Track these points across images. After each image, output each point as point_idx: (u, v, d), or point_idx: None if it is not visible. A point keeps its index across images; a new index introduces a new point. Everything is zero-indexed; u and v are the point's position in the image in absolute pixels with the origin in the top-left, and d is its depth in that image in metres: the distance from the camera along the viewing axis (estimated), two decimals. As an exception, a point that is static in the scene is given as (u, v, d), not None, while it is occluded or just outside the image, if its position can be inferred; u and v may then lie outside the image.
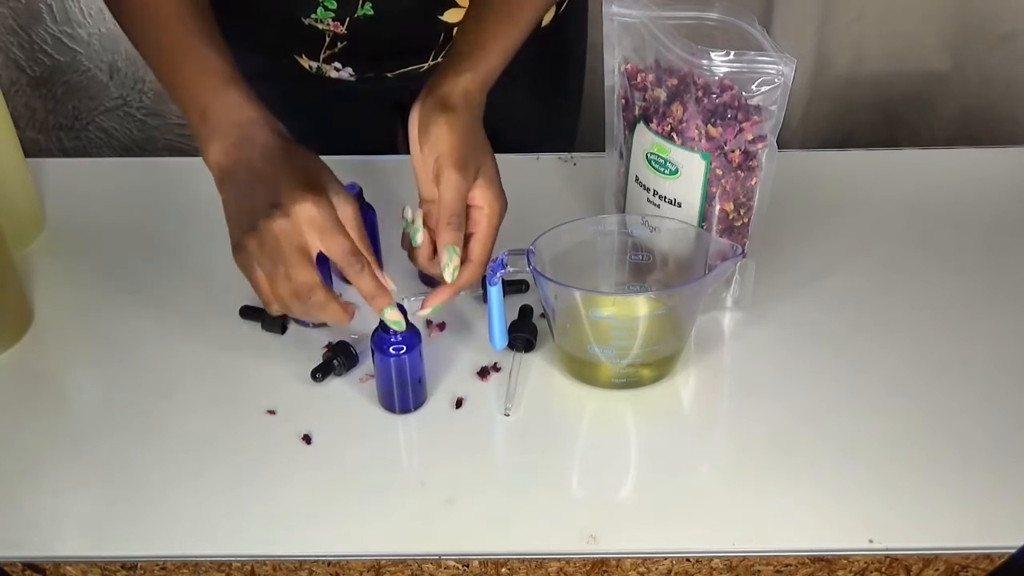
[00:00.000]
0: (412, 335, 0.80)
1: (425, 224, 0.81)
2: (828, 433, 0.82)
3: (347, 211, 0.75)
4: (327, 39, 1.01)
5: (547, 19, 1.08)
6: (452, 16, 1.00)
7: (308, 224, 0.72)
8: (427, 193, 0.80)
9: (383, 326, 0.79)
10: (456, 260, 0.78)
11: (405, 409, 0.83)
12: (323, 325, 0.91)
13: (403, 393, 0.82)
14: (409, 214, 0.80)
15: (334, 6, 0.96)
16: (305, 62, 1.06)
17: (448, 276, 0.79)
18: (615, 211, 0.95)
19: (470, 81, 0.81)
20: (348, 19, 0.97)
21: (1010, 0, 1.56)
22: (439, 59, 1.05)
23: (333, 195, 0.75)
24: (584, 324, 0.82)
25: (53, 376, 0.89)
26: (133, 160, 1.20)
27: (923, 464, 0.79)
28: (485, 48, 0.82)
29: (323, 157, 0.79)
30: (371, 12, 0.96)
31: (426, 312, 0.81)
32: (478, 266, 0.80)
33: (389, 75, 1.07)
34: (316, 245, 0.74)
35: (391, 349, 0.79)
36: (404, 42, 1.03)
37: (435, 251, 0.80)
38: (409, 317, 0.80)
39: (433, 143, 0.78)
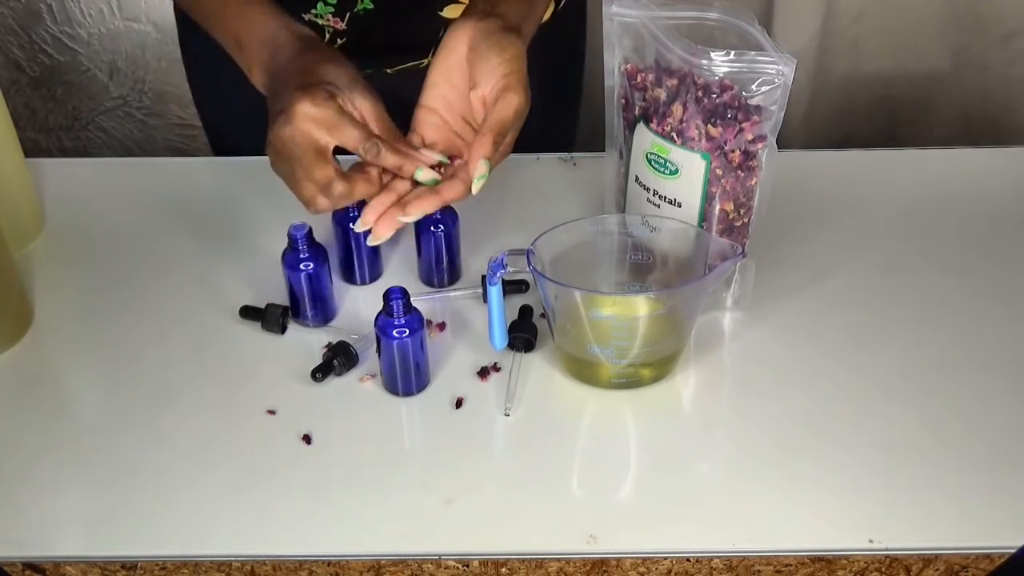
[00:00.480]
0: (414, 319, 0.81)
1: (416, 130, 0.81)
2: (828, 433, 0.82)
3: (365, 105, 0.77)
4: (327, 35, 1.01)
5: (546, 16, 1.08)
6: (451, 12, 1.00)
7: (312, 123, 0.74)
8: (437, 105, 0.80)
9: (386, 310, 0.80)
10: (487, 175, 0.77)
11: (408, 392, 0.84)
12: (322, 324, 0.91)
13: (406, 376, 0.83)
14: (424, 175, 0.78)
15: (334, 1, 0.96)
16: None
17: (475, 189, 0.77)
18: (615, 211, 0.95)
19: (532, 20, 0.82)
20: (348, 14, 0.97)
21: (1010, 0, 1.56)
22: None
23: (347, 91, 0.76)
24: (584, 324, 0.82)
25: (53, 376, 0.89)
26: (133, 160, 1.21)
27: (923, 464, 0.79)
28: (525, 15, 0.82)
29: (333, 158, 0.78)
30: (371, 6, 0.96)
31: (408, 219, 0.78)
32: (477, 192, 0.79)
33: (388, 71, 1.07)
34: (327, 140, 0.75)
35: (394, 332, 0.80)
36: (403, 38, 1.03)
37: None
38: (412, 301, 0.81)
39: (508, 59, 0.77)
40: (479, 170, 0.76)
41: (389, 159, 0.76)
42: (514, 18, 0.80)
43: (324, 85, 0.75)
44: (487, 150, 0.76)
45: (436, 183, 0.78)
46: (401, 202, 0.78)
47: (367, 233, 0.78)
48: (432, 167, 0.79)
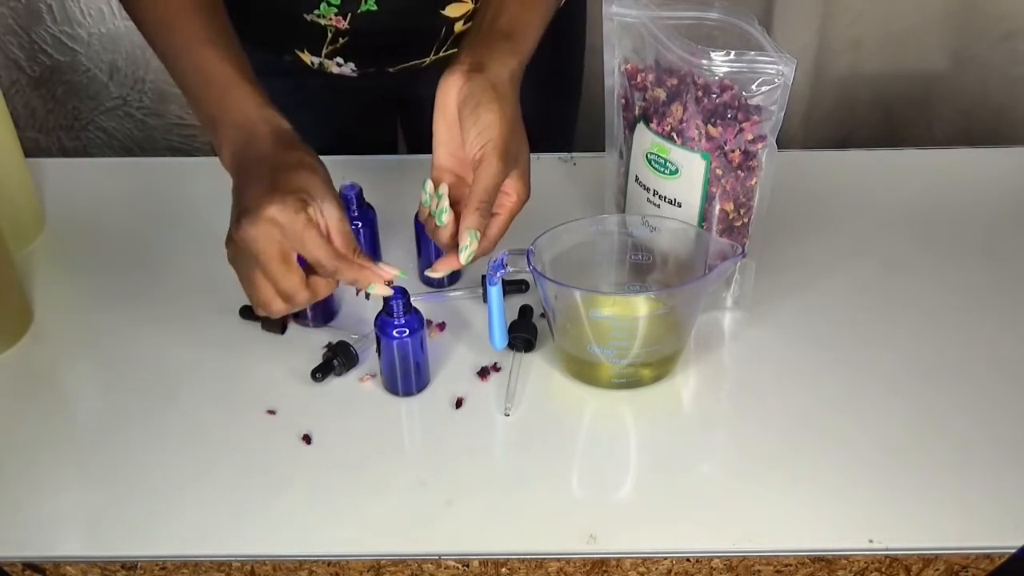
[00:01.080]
0: (414, 319, 0.81)
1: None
2: (828, 433, 0.82)
3: (332, 219, 0.75)
4: (329, 34, 1.01)
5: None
6: (453, 11, 1.00)
7: (279, 230, 0.73)
8: (448, 164, 0.80)
9: (386, 309, 0.80)
10: (475, 245, 0.78)
11: (408, 392, 0.84)
12: (322, 324, 0.91)
13: (406, 376, 0.83)
14: (430, 187, 0.80)
15: (338, 1, 0.96)
16: (307, 58, 1.06)
17: (464, 260, 0.78)
18: (615, 211, 0.95)
19: (518, 66, 0.81)
20: (351, 14, 0.97)
21: (1010, 0, 1.56)
22: (440, 54, 1.05)
23: (317, 199, 0.75)
24: (584, 324, 0.82)
25: (53, 376, 0.89)
26: (133, 160, 1.21)
27: (923, 464, 0.79)
28: (524, 31, 0.82)
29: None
30: (374, 7, 0.96)
31: (438, 274, 0.81)
32: (491, 243, 0.79)
33: (391, 70, 1.07)
34: (291, 249, 0.74)
35: (394, 332, 0.81)
36: (406, 37, 1.03)
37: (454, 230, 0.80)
38: (412, 301, 0.81)
39: (484, 128, 0.77)
40: (464, 240, 0.77)
41: (347, 275, 0.75)
42: (497, 68, 0.79)
43: (298, 193, 0.74)
44: (471, 221, 0.77)
45: (388, 293, 0.78)
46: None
47: (368, 247, 0.79)
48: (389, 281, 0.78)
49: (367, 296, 0.80)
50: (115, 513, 0.77)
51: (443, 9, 1.00)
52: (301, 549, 0.74)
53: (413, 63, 1.06)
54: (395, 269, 0.78)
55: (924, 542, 0.75)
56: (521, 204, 0.80)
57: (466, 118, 0.78)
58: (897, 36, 1.61)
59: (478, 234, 0.77)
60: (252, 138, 0.78)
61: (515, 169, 0.79)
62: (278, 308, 0.76)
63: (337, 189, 0.90)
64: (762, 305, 0.92)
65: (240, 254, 0.75)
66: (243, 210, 0.74)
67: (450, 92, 0.79)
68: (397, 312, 0.80)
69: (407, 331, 0.81)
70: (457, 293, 0.94)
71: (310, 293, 0.76)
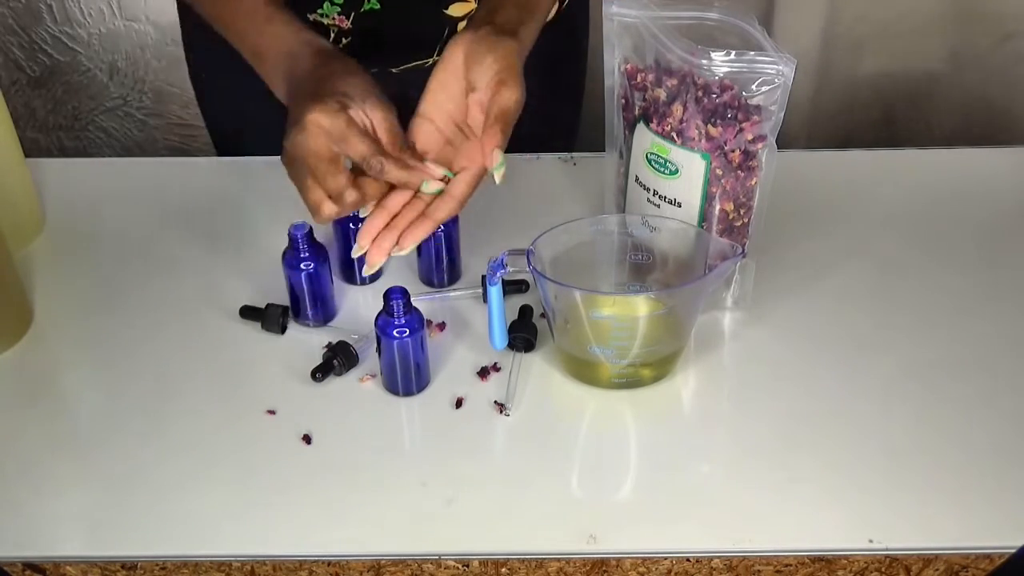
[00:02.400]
0: (415, 319, 0.81)
1: (410, 138, 0.81)
2: (828, 433, 0.82)
3: (376, 114, 0.77)
4: (332, 35, 1.01)
5: (551, 14, 1.08)
6: (457, 10, 1.00)
7: (322, 133, 0.75)
8: (433, 113, 0.81)
9: (387, 309, 0.80)
10: (504, 163, 0.78)
11: (408, 392, 0.85)
12: (322, 324, 0.91)
13: (406, 376, 0.84)
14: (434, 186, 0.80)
15: (341, 1, 0.96)
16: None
17: (498, 178, 0.79)
18: (615, 211, 0.95)
19: (529, 28, 0.83)
20: (354, 13, 0.97)
21: (1010, 0, 1.56)
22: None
23: (360, 101, 0.77)
24: (584, 324, 0.82)
25: (53, 376, 0.89)
26: (133, 160, 1.21)
27: (923, 464, 0.79)
28: (520, 29, 0.83)
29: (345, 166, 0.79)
30: (377, 6, 0.96)
31: (404, 252, 0.79)
32: (500, 181, 0.80)
33: (394, 71, 1.07)
34: (336, 150, 0.76)
35: (395, 332, 0.81)
36: (409, 37, 1.03)
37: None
38: (412, 301, 0.80)
39: (499, 57, 0.78)
40: (495, 159, 0.78)
41: (393, 174, 0.77)
42: (508, 24, 0.81)
43: (337, 96, 0.76)
44: (497, 140, 0.78)
45: (440, 189, 0.79)
46: (391, 227, 0.79)
47: (363, 258, 0.79)
48: (441, 179, 0.80)
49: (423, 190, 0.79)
50: (115, 513, 0.77)
51: (446, 9, 1.00)
52: (301, 549, 0.74)
53: (416, 63, 1.06)
54: (441, 169, 0.79)
55: (924, 542, 0.75)
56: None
57: (475, 61, 0.79)
58: (897, 36, 1.61)
59: (503, 153, 0.78)
60: (296, 61, 0.81)
61: (514, 117, 0.79)
62: (328, 211, 0.77)
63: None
64: (762, 305, 0.92)
65: (292, 163, 0.77)
66: (291, 121, 0.76)
67: (458, 44, 0.80)
68: (397, 312, 0.80)
69: (407, 331, 0.81)
70: (457, 293, 0.94)
71: (359, 194, 0.77)
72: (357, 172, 0.78)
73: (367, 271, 0.81)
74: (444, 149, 0.82)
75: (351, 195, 0.77)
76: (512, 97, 0.78)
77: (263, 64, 0.84)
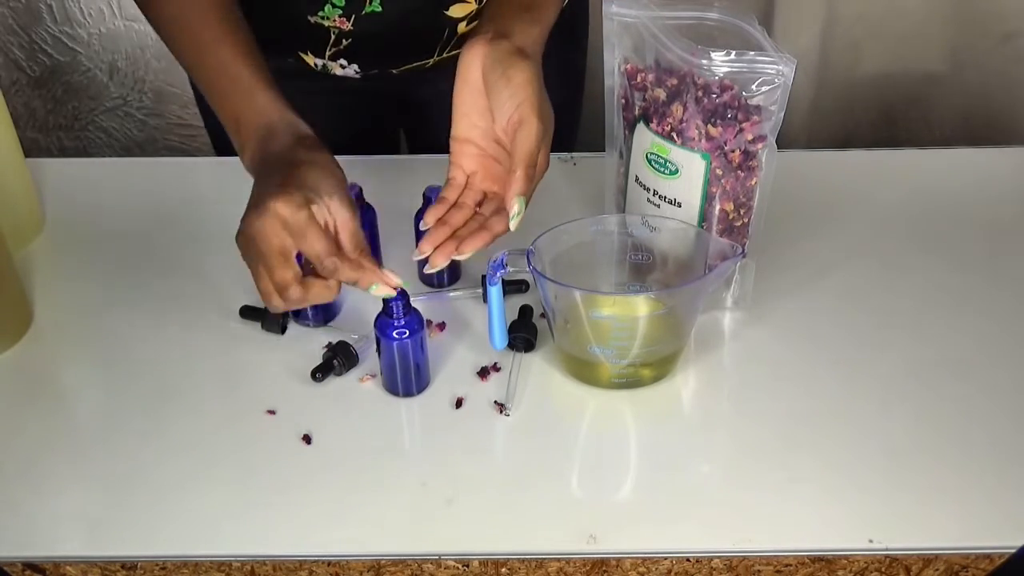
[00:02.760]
0: (414, 320, 0.81)
1: (454, 162, 0.82)
2: (828, 433, 0.82)
3: (341, 215, 0.76)
4: (333, 36, 1.01)
5: None
6: (457, 11, 1.00)
7: (281, 224, 0.74)
8: (469, 134, 0.81)
9: (386, 310, 0.80)
10: (523, 211, 0.78)
11: (408, 393, 0.84)
12: (322, 324, 0.91)
13: (406, 377, 0.84)
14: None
15: (342, 3, 0.96)
16: (310, 60, 1.06)
17: (513, 226, 0.79)
18: (615, 211, 0.95)
19: (539, 35, 0.82)
20: (355, 15, 0.97)
21: (1010, 0, 1.56)
22: (444, 55, 1.05)
23: (327, 198, 0.76)
24: (584, 324, 0.82)
25: (53, 376, 0.89)
26: (133, 160, 1.21)
27: (923, 464, 0.79)
28: (544, 2, 0.83)
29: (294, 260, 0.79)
30: (378, 8, 0.96)
31: (463, 257, 0.80)
32: (515, 228, 0.80)
33: (394, 71, 1.07)
34: (291, 244, 0.74)
35: (394, 333, 0.81)
36: (409, 38, 1.03)
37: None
38: (412, 301, 0.81)
39: (517, 89, 0.78)
40: (513, 208, 0.78)
41: (346, 275, 0.76)
42: (521, 36, 0.80)
43: (304, 190, 0.75)
44: (520, 187, 0.77)
45: (390, 295, 0.78)
46: (455, 236, 0.80)
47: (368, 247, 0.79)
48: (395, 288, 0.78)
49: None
50: (115, 513, 0.77)
51: (447, 10, 1.00)
52: (301, 549, 0.74)
53: (417, 64, 1.06)
54: (397, 278, 0.78)
55: (924, 542, 0.75)
56: (542, 175, 0.80)
57: (494, 83, 0.78)
58: (897, 36, 1.61)
59: (525, 200, 0.78)
60: (273, 139, 0.80)
61: (546, 139, 0.79)
62: (276, 303, 0.77)
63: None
64: (762, 305, 0.92)
65: (247, 243, 0.76)
66: (252, 204, 0.75)
67: (474, 60, 0.79)
68: (397, 313, 0.80)
69: (407, 332, 0.81)
70: (457, 293, 0.94)
71: (303, 291, 0.76)
72: (307, 270, 0.76)
73: (428, 270, 0.81)
74: (491, 167, 0.82)
75: (295, 292, 0.75)
76: (532, 135, 0.77)
77: (238, 133, 0.82)
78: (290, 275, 0.75)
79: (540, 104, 0.78)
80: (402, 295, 0.80)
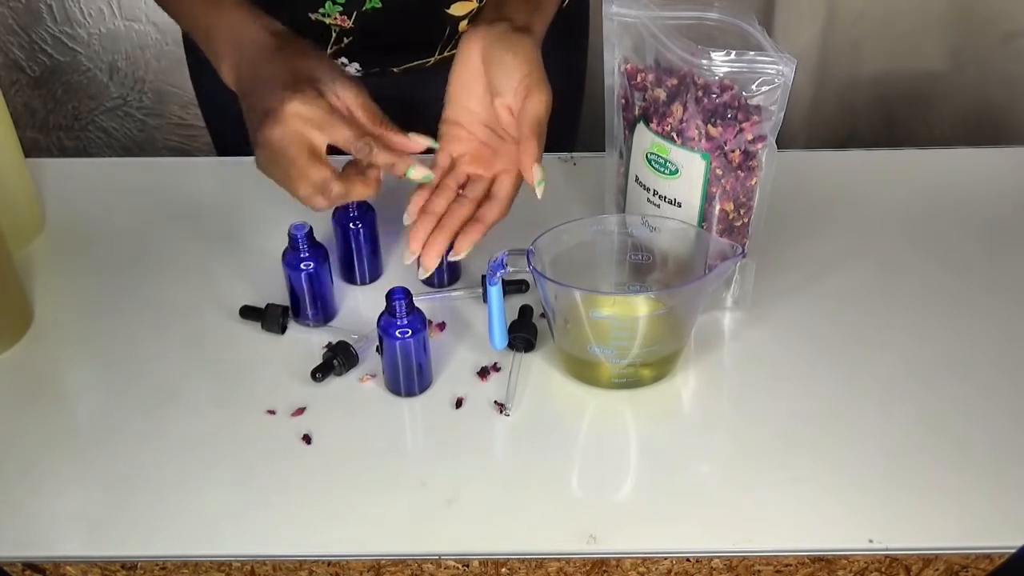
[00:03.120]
0: (417, 320, 0.81)
1: (443, 146, 0.82)
2: (828, 433, 0.82)
3: (348, 95, 0.76)
4: (333, 34, 1.01)
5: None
6: (458, 9, 1.00)
7: (304, 123, 0.73)
8: (459, 117, 0.82)
9: (389, 310, 0.80)
10: (546, 178, 0.79)
11: (411, 392, 0.84)
12: (322, 324, 0.91)
13: (408, 377, 0.83)
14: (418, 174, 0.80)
15: (343, 0, 0.96)
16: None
17: (540, 192, 0.79)
18: (615, 211, 0.95)
19: (540, 24, 0.83)
20: (355, 12, 0.97)
21: (1010, 0, 1.56)
22: (445, 53, 1.05)
23: (330, 84, 0.76)
24: (584, 324, 0.82)
25: (53, 376, 0.89)
26: (133, 160, 1.21)
27: (923, 464, 0.79)
28: (535, 12, 0.84)
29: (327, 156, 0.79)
30: (379, 4, 0.96)
31: (459, 256, 0.81)
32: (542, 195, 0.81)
33: (395, 70, 1.07)
34: (320, 139, 0.74)
35: (397, 332, 0.81)
36: (410, 36, 1.03)
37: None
38: (417, 300, 0.80)
39: (520, 63, 0.78)
40: (536, 176, 0.78)
41: (381, 158, 0.76)
42: (522, 18, 0.81)
43: (312, 83, 0.75)
44: (535, 153, 0.78)
45: (429, 180, 0.79)
46: (441, 227, 0.80)
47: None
48: (425, 151, 0.78)
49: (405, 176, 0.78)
50: (115, 513, 0.77)
51: (448, 8, 1.00)
52: (301, 549, 0.74)
53: (417, 63, 1.06)
54: (425, 139, 0.78)
55: (924, 542, 0.75)
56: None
57: (499, 59, 0.79)
58: (897, 36, 1.61)
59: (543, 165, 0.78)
60: (249, 42, 0.79)
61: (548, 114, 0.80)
62: (319, 204, 0.76)
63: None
64: (762, 305, 0.92)
65: (271, 156, 0.75)
66: (266, 111, 0.74)
67: (473, 43, 0.80)
68: (400, 312, 0.80)
69: (410, 332, 0.81)
70: (457, 293, 0.94)
71: (344, 187, 0.75)
72: (341, 173, 0.76)
73: (422, 275, 0.81)
74: (480, 152, 0.83)
75: (337, 187, 0.75)
76: (542, 102, 0.78)
77: (210, 45, 0.81)
78: (327, 171, 0.75)
79: (545, 78, 0.79)
80: (405, 294, 0.80)
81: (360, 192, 0.77)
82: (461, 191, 0.82)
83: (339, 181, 0.75)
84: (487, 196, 0.82)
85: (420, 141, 0.78)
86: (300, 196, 0.76)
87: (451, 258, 0.81)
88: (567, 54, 1.18)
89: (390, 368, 0.83)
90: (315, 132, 0.74)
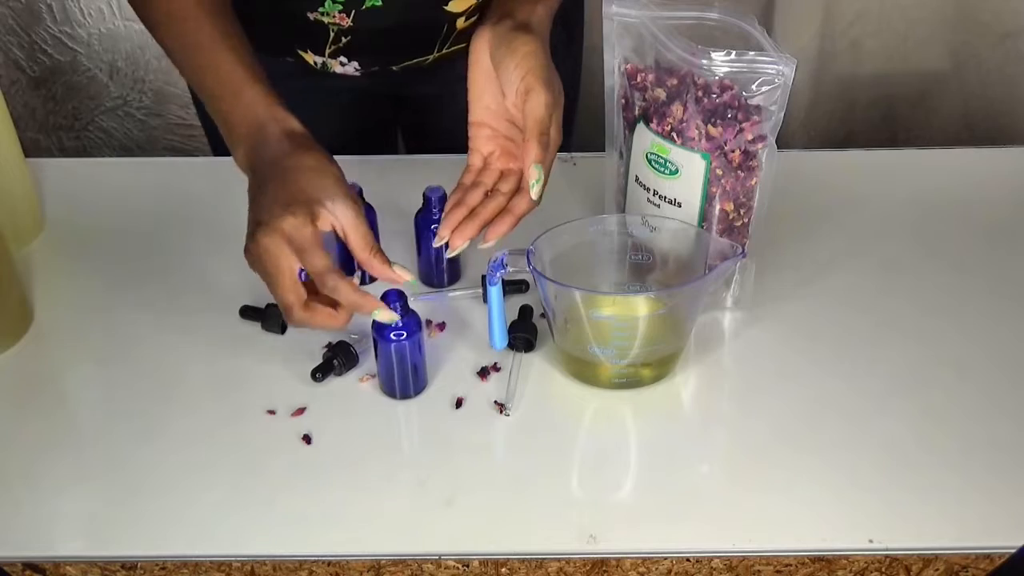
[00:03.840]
0: (412, 322, 0.81)
1: (473, 147, 0.84)
2: (828, 433, 0.82)
3: (346, 217, 0.76)
4: (332, 33, 1.01)
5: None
6: (456, 6, 1.00)
7: (287, 242, 0.74)
8: (484, 117, 0.83)
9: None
10: (544, 179, 0.79)
11: (406, 395, 0.84)
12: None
13: (403, 379, 0.83)
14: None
15: None
16: (310, 58, 1.06)
17: (535, 194, 0.80)
18: (615, 211, 0.95)
19: (546, 13, 0.83)
20: (355, 11, 0.97)
21: (1010, 0, 1.56)
22: (443, 51, 1.05)
23: (330, 203, 0.76)
24: (584, 324, 0.82)
25: (53, 376, 0.89)
26: (133, 160, 1.21)
27: (923, 464, 0.79)
28: (536, 6, 0.84)
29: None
30: (379, 3, 0.96)
31: (489, 244, 0.81)
32: (538, 197, 0.81)
33: (394, 68, 1.07)
34: (294, 264, 0.75)
35: (391, 335, 0.80)
36: (409, 34, 1.03)
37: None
38: (412, 301, 0.81)
39: (522, 59, 0.79)
40: (532, 176, 0.79)
41: (345, 297, 0.75)
42: (524, 13, 0.82)
43: (309, 204, 0.75)
44: (535, 154, 0.79)
45: (395, 322, 0.79)
46: (473, 216, 0.81)
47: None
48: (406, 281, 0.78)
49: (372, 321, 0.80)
50: (115, 513, 0.77)
51: (446, 5, 1.00)
52: (301, 549, 0.74)
53: (416, 60, 1.06)
54: (408, 273, 0.78)
55: (924, 542, 0.75)
56: (556, 148, 0.81)
57: (501, 59, 0.80)
58: (897, 36, 1.61)
59: (542, 167, 0.79)
60: (264, 139, 0.79)
61: (556, 111, 0.80)
62: (297, 318, 0.76)
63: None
64: (762, 305, 0.92)
65: (255, 263, 0.76)
66: (259, 222, 0.75)
67: (482, 44, 0.81)
68: (395, 309, 0.80)
69: (405, 334, 0.81)
70: (457, 293, 0.94)
71: (308, 315, 0.76)
72: (307, 302, 0.76)
73: (450, 254, 0.82)
74: (507, 147, 0.84)
75: (299, 315, 0.76)
76: (540, 103, 0.78)
77: (229, 131, 0.81)
78: (293, 297, 0.75)
79: (547, 74, 0.79)
80: (399, 296, 0.80)
81: (323, 320, 0.77)
82: (496, 187, 0.83)
83: (303, 310, 0.76)
84: (519, 189, 0.82)
85: (403, 274, 0.78)
86: (282, 304, 0.77)
87: (481, 246, 0.81)
88: (562, 53, 1.18)
89: (385, 371, 0.83)
90: (291, 256, 0.74)
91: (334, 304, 0.77)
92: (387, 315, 0.78)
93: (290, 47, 1.06)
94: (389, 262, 0.78)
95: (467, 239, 0.81)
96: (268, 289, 0.77)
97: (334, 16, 0.98)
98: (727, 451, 0.81)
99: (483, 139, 0.84)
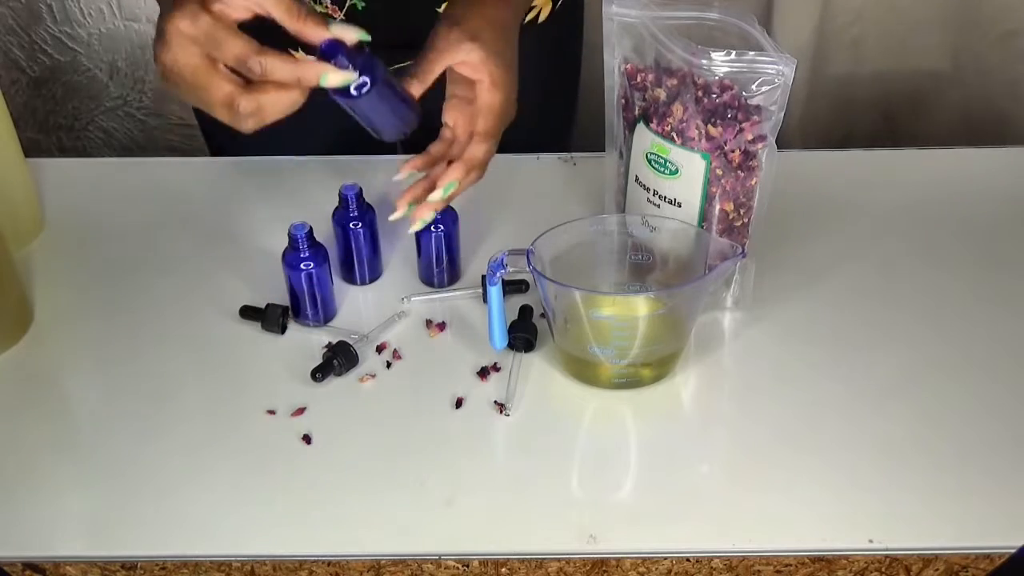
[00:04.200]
0: (367, 64, 0.70)
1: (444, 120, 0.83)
2: (828, 433, 0.82)
3: None
4: None
5: (543, 15, 1.08)
6: None
7: (189, 42, 0.66)
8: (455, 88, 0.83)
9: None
10: (452, 191, 0.79)
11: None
12: (322, 324, 0.91)
13: (392, 120, 0.77)
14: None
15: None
16: (302, 58, 1.06)
17: (438, 196, 0.80)
18: (615, 211, 0.95)
19: (497, 16, 0.83)
20: (346, 4, 0.97)
21: (1010, 0, 1.56)
22: None
23: None
24: (584, 324, 0.82)
25: (53, 376, 0.89)
26: (133, 160, 1.20)
27: (923, 464, 0.79)
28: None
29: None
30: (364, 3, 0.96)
31: (440, 192, 0.80)
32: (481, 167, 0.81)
33: (390, 69, 1.07)
34: (207, 60, 0.67)
35: (354, 91, 0.70)
36: (401, 35, 1.03)
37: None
38: (412, 301, 0.83)
39: (460, 72, 0.80)
40: (443, 180, 0.79)
41: (280, 72, 0.67)
42: (474, 19, 0.82)
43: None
44: (455, 175, 0.79)
45: (350, 82, 0.70)
46: (429, 178, 0.80)
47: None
48: (356, 44, 0.70)
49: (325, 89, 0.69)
50: (115, 513, 0.77)
51: (439, 6, 1.00)
52: (301, 549, 0.74)
53: (410, 63, 1.06)
54: (353, 32, 0.69)
55: (924, 542, 0.75)
56: (497, 125, 0.81)
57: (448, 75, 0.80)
58: (897, 36, 1.61)
59: (456, 184, 0.80)
60: None
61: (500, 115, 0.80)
62: (240, 125, 0.69)
63: (337, 190, 0.91)
64: (762, 305, 0.92)
65: (173, 82, 0.69)
66: (158, 33, 0.67)
67: (441, 49, 0.81)
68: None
69: (367, 82, 0.69)
70: (457, 293, 0.94)
71: (252, 98, 0.68)
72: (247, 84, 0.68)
73: (411, 229, 0.82)
74: (466, 109, 0.83)
75: (246, 103, 0.67)
76: (482, 149, 0.79)
77: None
78: (228, 86, 0.67)
79: (501, 110, 0.80)
80: (340, 46, 0.68)
81: (273, 100, 0.68)
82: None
83: (247, 95, 0.67)
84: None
85: (347, 32, 0.69)
86: (216, 113, 0.69)
87: (431, 199, 0.80)
88: (560, 53, 1.18)
89: (372, 117, 0.74)
90: (200, 55, 0.66)
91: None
92: (338, 76, 0.68)
93: (283, 47, 1.06)
94: (326, 22, 0.69)
95: (413, 196, 0.80)
96: (203, 106, 0.69)
97: (326, 6, 0.98)
98: (727, 451, 0.81)
99: (449, 110, 0.83)
